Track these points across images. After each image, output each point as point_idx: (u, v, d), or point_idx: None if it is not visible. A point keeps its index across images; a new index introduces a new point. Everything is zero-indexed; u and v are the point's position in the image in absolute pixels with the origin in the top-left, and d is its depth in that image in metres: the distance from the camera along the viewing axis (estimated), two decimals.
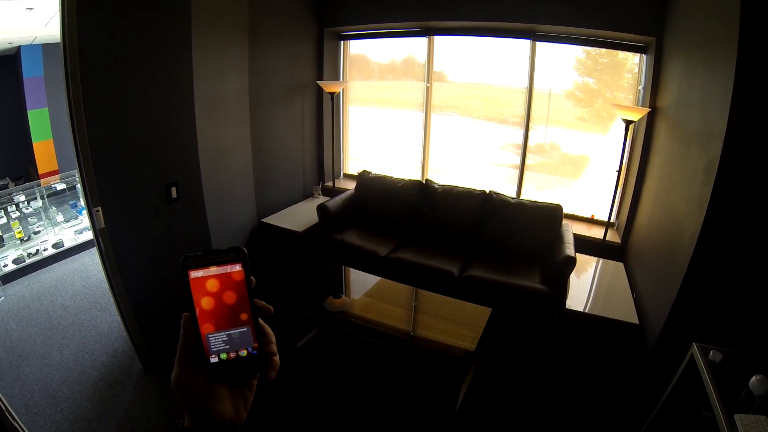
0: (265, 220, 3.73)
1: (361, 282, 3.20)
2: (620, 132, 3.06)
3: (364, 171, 4.04)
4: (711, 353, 1.74)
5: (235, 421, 0.49)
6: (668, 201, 2.59)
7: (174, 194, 2.67)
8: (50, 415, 2.37)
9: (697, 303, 2.10)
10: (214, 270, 0.49)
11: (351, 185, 4.18)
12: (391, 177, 3.94)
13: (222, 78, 3.08)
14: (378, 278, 3.13)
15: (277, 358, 0.53)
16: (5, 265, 3.73)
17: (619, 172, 3.19)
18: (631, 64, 3.37)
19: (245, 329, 0.51)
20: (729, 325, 1.99)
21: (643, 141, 3.15)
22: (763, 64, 1.77)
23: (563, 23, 3.25)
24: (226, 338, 0.50)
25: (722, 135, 1.89)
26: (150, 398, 2.54)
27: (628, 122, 2.93)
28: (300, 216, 3.86)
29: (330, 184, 4.48)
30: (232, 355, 0.50)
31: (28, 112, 4.04)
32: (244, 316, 0.51)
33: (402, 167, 4.42)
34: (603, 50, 3.42)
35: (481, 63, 3.93)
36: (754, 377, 1.53)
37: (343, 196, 3.92)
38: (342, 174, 4.80)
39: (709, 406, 1.59)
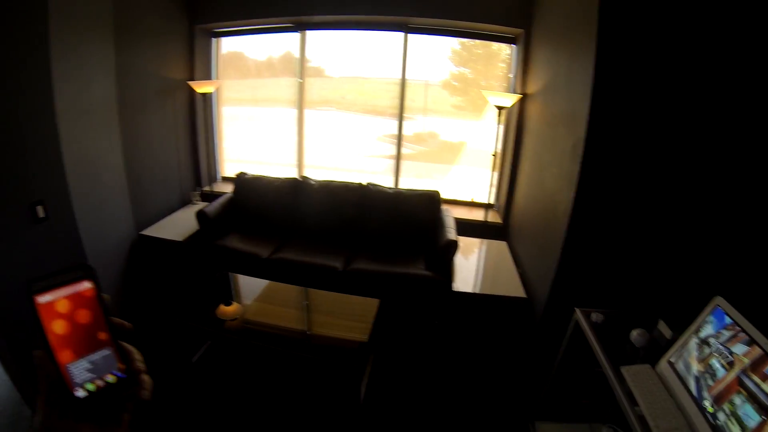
0: (143, 232, 3.39)
1: (250, 287, 3.00)
2: (494, 117, 3.25)
3: (240, 173, 3.81)
4: (592, 315, 1.89)
5: None
6: (541, 179, 2.80)
7: (41, 213, 2.33)
8: None
9: (576, 271, 2.27)
10: (63, 291, 0.45)
11: (230, 189, 3.90)
12: (268, 177, 3.75)
13: (86, 81, 2.71)
14: (266, 281, 2.95)
15: (146, 376, 0.49)
16: None
17: (495, 155, 3.40)
18: (505, 54, 3.59)
19: (107, 352, 0.47)
20: (605, 288, 2.19)
21: (516, 125, 3.40)
22: (619, 51, 1.97)
23: (435, 16, 3.35)
24: (89, 365, 0.46)
25: (586, 117, 2.05)
26: None
27: (500, 108, 3.12)
28: (180, 224, 3.59)
29: (208, 188, 4.19)
30: (100, 383, 0.46)
31: None
32: (102, 337, 0.47)
33: (279, 166, 4.25)
34: (478, 41, 3.60)
35: (357, 57, 3.89)
36: (633, 331, 1.69)
37: (221, 200, 3.64)
38: (220, 177, 4.46)
39: (599, 363, 1.72)
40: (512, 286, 2.80)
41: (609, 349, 1.69)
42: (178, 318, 2.67)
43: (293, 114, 4.04)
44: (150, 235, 3.38)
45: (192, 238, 3.40)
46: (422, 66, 3.68)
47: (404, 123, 3.79)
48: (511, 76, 3.49)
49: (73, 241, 2.64)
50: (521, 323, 2.77)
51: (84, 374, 0.45)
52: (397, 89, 3.73)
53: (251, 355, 2.74)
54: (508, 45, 3.51)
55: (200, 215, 3.35)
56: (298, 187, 3.63)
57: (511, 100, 3.12)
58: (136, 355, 0.49)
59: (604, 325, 1.84)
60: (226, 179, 4.45)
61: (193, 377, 2.62)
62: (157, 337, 2.83)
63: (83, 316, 0.46)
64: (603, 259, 2.21)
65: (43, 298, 0.44)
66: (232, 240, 3.38)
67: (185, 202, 4.03)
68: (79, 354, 0.45)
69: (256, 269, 3.10)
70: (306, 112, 4.01)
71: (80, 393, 0.44)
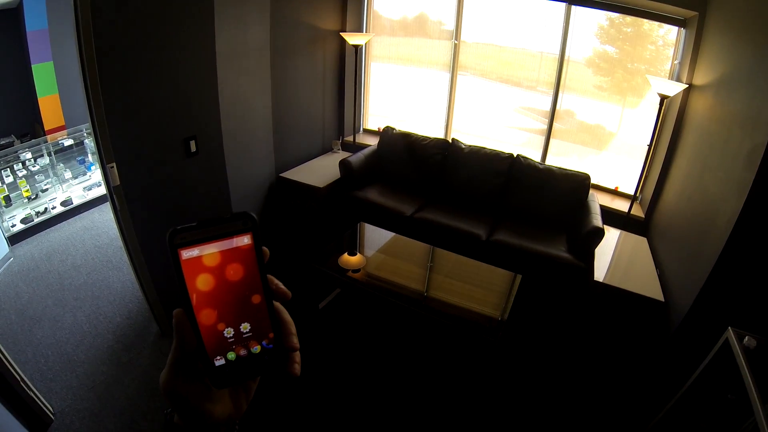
0: (283, 174, 3.59)
1: (374, 240, 3.14)
2: (651, 106, 2.95)
3: (387, 127, 3.92)
4: (746, 339, 1.71)
5: (233, 416, 0.43)
6: (702, 182, 2.52)
7: (193, 148, 2.57)
8: (66, 381, 2.36)
9: (729, 287, 2.06)
10: (214, 246, 0.38)
11: (371, 140, 4.07)
12: (416, 134, 3.82)
13: (244, 25, 2.89)
14: (390, 236, 3.06)
15: (298, 354, 0.43)
16: (13, 225, 3.67)
17: (650, 146, 3.10)
18: (656, 35, 3.22)
19: (258, 319, 0.41)
20: (761, 312, 1.96)
21: (676, 117, 3.04)
22: None
23: None
24: (234, 333, 0.40)
25: None
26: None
27: (663, 97, 2.82)
28: (319, 171, 3.73)
29: (350, 138, 4.35)
30: (243, 352, 0.41)
31: (33, 66, 3.87)
32: (256, 302, 0.41)
33: (424, 125, 4.28)
34: (628, 18, 3.25)
35: (512, 25, 3.75)
36: None
37: (365, 151, 3.80)
38: (362, 129, 4.67)
39: (735, 389, 1.57)
40: (649, 287, 2.61)
41: (759, 379, 1.53)
42: (314, 264, 2.73)
43: (444, 76, 4.04)
44: (289, 178, 3.53)
45: (331, 186, 3.52)
46: (576, 41, 3.45)
47: (558, 100, 3.61)
48: (676, 62, 3.10)
49: (219, 176, 2.85)
50: (653, 328, 2.59)
51: (227, 342, 0.40)
52: (551, 63, 3.55)
53: (380, 311, 2.89)
54: (660, 25, 3.12)
55: (344, 164, 3.51)
56: (447, 148, 3.66)
57: (677, 88, 2.79)
58: (292, 328, 0.43)
59: (756, 352, 1.65)
60: (368, 131, 4.62)
61: (318, 323, 2.82)
62: (285, 279, 3.23)
63: (236, 279, 0.40)
64: (763, 281, 1.95)
65: (188, 253, 0.38)
66: (373, 193, 3.51)
67: (326, 149, 4.22)
68: (226, 319, 0.40)
69: (396, 226, 3.22)
70: (458, 76, 3.99)
71: (219, 362, 0.40)
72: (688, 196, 2.69)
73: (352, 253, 2.87)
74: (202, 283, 0.38)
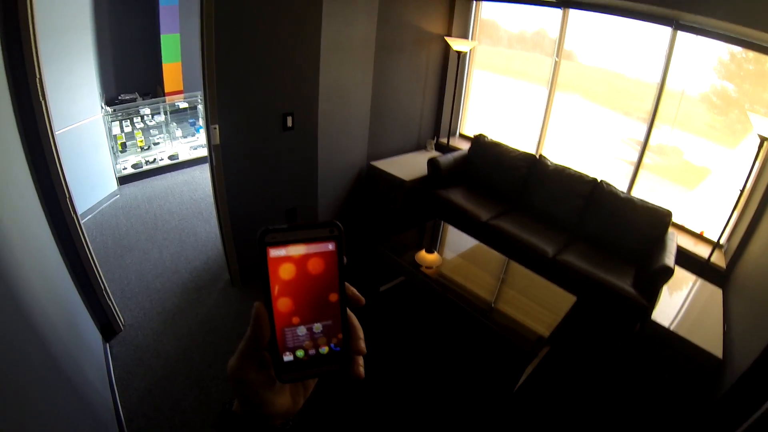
0: (374, 163, 3.83)
1: (455, 243, 3.24)
2: (751, 148, 2.69)
3: (480, 134, 4.01)
4: None
5: (291, 411, 0.45)
6: None
7: (289, 123, 2.86)
8: (140, 303, 2.77)
9: None
10: (301, 249, 0.41)
11: (464, 145, 4.18)
12: (506, 145, 3.88)
13: (351, 20, 3.12)
14: (472, 242, 3.16)
15: (362, 358, 0.45)
16: (124, 168, 4.29)
17: (742, 191, 2.83)
18: None
19: (330, 320, 0.43)
20: None
21: None
22: None
23: (714, 15, 2.80)
24: (307, 332, 0.42)
25: None
26: (231, 308, 2.83)
27: (763, 139, 2.56)
28: (409, 165, 3.93)
29: (444, 140, 4.48)
30: (312, 351, 0.43)
31: (161, 36, 4.46)
32: (331, 305, 0.43)
33: (517, 138, 4.30)
34: (751, 55, 2.95)
35: (613, 47, 3.62)
36: None
37: (455, 154, 3.94)
38: (458, 133, 4.77)
39: None
40: (710, 341, 2.43)
41: None
42: (382, 247, 2.90)
43: (542, 91, 4.04)
44: (379, 167, 3.76)
45: (417, 182, 3.71)
46: (680, 72, 3.23)
47: (652, 131, 3.44)
48: None
49: (310, 153, 3.12)
50: (703, 386, 2.40)
51: (299, 340, 0.42)
52: (650, 90, 3.38)
53: (431, 303, 3.01)
54: None
55: (432, 163, 3.69)
56: (534, 164, 3.69)
57: None
58: (360, 333, 0.45)
59: None
60: (463, 137, 4.71)
61: (375, 304, 3.00)
62: (358, 258, 3.35)
63: (317, 282, 0.42)
64: None
65: (277, 252, 0.40)
66: (456, 195, 3.65)
67: (420, 147, 4.43)
68: (302, 317, 0.42)
69: (471, 228, 3.34)
70: (555, 93, 3.96)
71: (288, 357, 0.42)
72: None
73: (430, 251, 3.03)
74: (285, 281, 0.41)
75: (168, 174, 4.62)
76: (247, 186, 2.83)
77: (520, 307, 2.63)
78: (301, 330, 0.42)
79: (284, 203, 3.17)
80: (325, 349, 0.43)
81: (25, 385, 1.18)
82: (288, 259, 0.41)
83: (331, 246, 0.42)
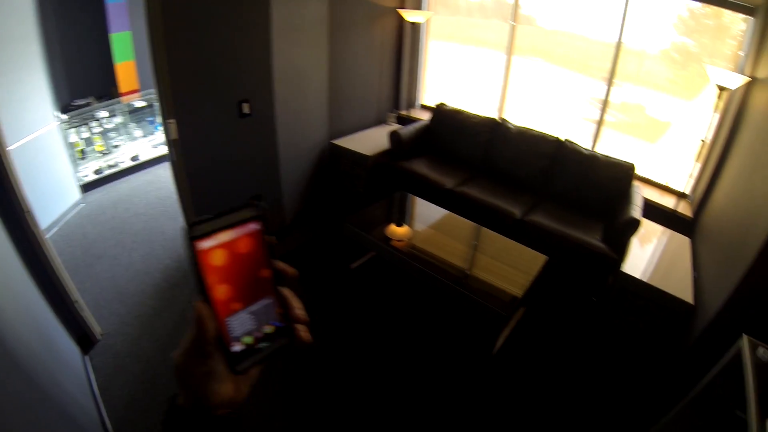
0: (335, 141, 3.78)
1: (424, 214, 3.24)
2: (710, 99, 2.73)
3: (440, 103, 3.99)
4: (760, 350, 1.61)
5: (235, 400, 0.44)
6: (750, 182, 2.32)
7: (246, 110, 2.82)
8: (115, 309, 2.69)
9: (758, 297, 1.92)
10: (228, 235, 0.40)
11: (426, 116, 4.16)
12: (467, 112, 3.87)
13: (302, 1, 3.04)
14: (442, 212, 3.15)
15: (302, 326, 0.45)
16: (86, 176, 4.14)
17: (703, 141, 2.88)
18: (738, 30, 2.94)
19: (269, 301, 0.43)
20: None
21: (736, 113, 2.79)
22: None
23: None
24: (249, 317, 0.42)
25: None
26: None
27: (721, 89, 2.60)
28: (371, 141, 3.89)
29: (405, 113, 4.46)
30: (258, 334, 0.42)
31: (111, 35, 4.26)
32: (265, 285, 0.43)
33: (478, 104, 4.28)
34: (709, 10, 2.98)
35: (572, 10, 3.62)
36: None
37: (416, 125, 3.91)
38: (419, 104, 4.73)
39: (745, 406, 1.49)
40: (681, 288, 2.49)
41: (763, 395, 1.45)
42: (348, 224, 2.88)
43: (500, 57, 4.02)
44: (340, 145, 3.71)
45: (380, 156, 3.67)
46: (639, 30, 3.26)
47: (612, 89, 3.47)
48: (741, 53, 2.82)
49: (269, 137, 3.08)
50: (677, 332, 2.48)
51: (243, 327, 0.42)
52: (609, 50, 3.39)
53: (405, 278, 3.01)
54: (743, 16, 2.82)
55: (393, 135, 3.66)
56: (496, 128, 3.70)
57: (737, 81, 2.56)
58: (295, 302, 0.46)
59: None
60: (425, 107, 4.68)
61: (348, 282, 3.00)
62: (326, 238, 3.35)
63: (249, 265, 0.42)
64: None
65: (205, 243, 0.39)
66: (419, 165, 3.63)
67: (380, 121, 4.38)
68: (241, 301, 0.42)
69: (437, 198, 3.34)
70: (513, 57, 3.96)
71: (237, 347, 0.42)
72: (736, 196, 2.49)
73: (399, 224, 3.03)
74: (217, 268, 0.40)
75: (131, 176, 4.48)
76: (209, 177, 2.78)
77: (493, 271, 2.66)
78: (243, 316, 0.42)
79: (249, 190, 3.13)
80: (269, 329, 0.43)
81: (1, 406, 1.14)
82: (217, 247, 0.40)
83: (256, 225, 0.42)
